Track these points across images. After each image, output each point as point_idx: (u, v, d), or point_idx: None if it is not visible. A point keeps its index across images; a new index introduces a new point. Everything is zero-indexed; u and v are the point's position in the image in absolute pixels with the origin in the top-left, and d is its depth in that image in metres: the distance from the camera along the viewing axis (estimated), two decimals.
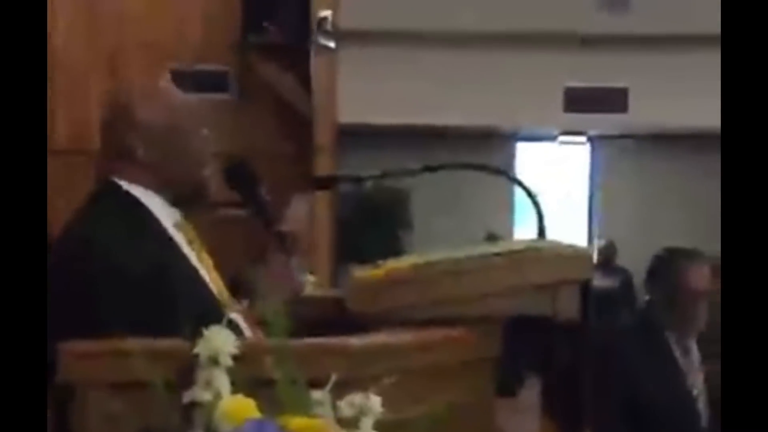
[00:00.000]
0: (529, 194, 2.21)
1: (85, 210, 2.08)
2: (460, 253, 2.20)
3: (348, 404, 1.42)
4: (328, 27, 7.67)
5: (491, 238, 11.01)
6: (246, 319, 2.08)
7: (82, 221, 2.04)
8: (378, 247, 9.95)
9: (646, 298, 3.48)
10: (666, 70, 10.62)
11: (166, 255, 2.04)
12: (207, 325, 1.65)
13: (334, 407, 1.44)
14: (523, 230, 12.38)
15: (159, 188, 2.13)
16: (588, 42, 10.59)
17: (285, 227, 2.21)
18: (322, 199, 7.28)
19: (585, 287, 2.03)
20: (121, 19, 7.97)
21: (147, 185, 2.12)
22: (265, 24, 7.75)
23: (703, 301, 3.28)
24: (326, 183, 2.38)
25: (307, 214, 2.31)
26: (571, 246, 2.16)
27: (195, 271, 2.10)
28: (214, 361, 1.39)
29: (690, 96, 10.55)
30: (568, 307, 2.02)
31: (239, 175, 2.22)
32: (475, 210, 11.91)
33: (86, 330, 1.73)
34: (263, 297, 2.04)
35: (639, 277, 10.50)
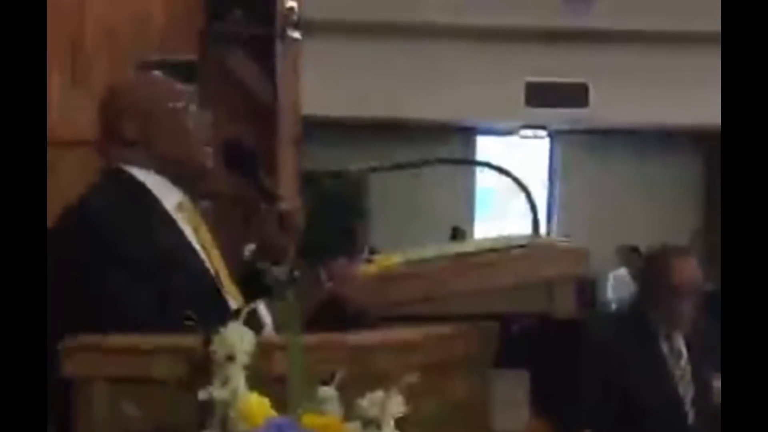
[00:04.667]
0: (524, 189, 2.19)
1: (88, 195, 2.08)
2: (452, 249, 2.18)
3: (371, 403, 1.40)
4: (295, 17, 7.60)
5: (457, 232, 11.04)
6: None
7: (84, 207, 2.03)
8: (336, 240, 9.91)
9: (635, 293, 3.51)
10: (626, 66, 10.70)
11: (167, 238, 2.03)
12: (205, 309, 1.65)
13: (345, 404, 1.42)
14: (483, 224, 12.42)
15: (159, 168, 2.13)
16: (550, 37, 10.63)
17: (283, 206, 2.20)
18: (287, 193, 7.22)
19: (582, 283, 2.02)
20: (81, 6, 7.82)
21: (147, 166, 2.13)
22: (230, 13, 7.65)
23: (691, 297, 3.30)
24: (312, 177, 2.35)
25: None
26: (567, 242, 2.15)
27: (195, 254, 2.09)
28: (231, 358, 1.36)
29: (650, 91, 10.64)
30: (565, 303, 2.01)
31: (236, 154, 2.20)
32: (435, 204, 11.92)
33: (89, 318, 1.75)
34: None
35: (600, 272, 10.64)
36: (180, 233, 2.10)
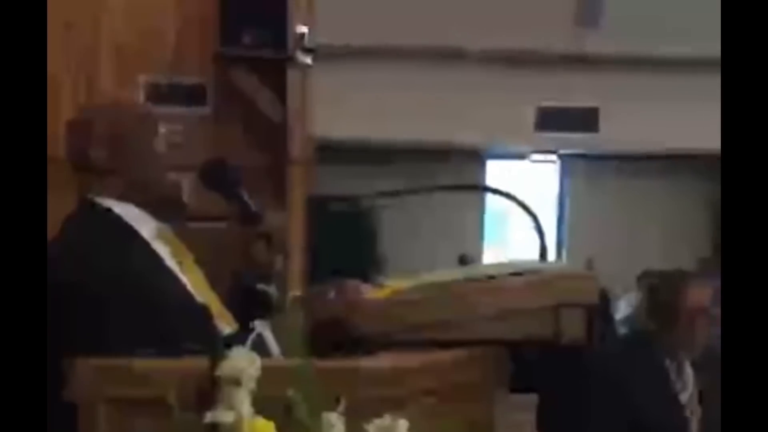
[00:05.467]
0: (531, 214, 2.19)
1: (65, 230, 2.06)
2: (460, 274, 2.18)
3: (377, 428, 1.40)
4: (306, 42, 7.64)
5: (464, 259, 10.99)
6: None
7: (63, 242, 2.01)
8: (346, 264, 9.88)
9: (642, 317, 3.50)
10: (637, 91, 10.70)
11: (148, 268, 2.02)
12: (193, 336, 1.65)
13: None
14: (492, 251, 12.38)
15: (132, 198, 2.12)
16: (561, 62, 10.65)
17: (270, 227, 2.19)
18: (296, 216, 7.22)
19: (589, 309, 2.02)
20: (94, 27, 7.85)
21: (120, 197, 2.11)
22: (242, 37, 7.67)
23: (702, 322, 3.30)
24: (322, 201, 2.36)
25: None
26: (574, 268, 2.15)
27: (178, 282, 2.08)
28: (237, 383, 1.36)
29: (661, 116, 10.63)
30: (572, 328, 2.01)
31: (217, 175, 2.19)
32: (445, 228, 11.90)
33: (75, 348, 1.73)
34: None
35: (612, 295, 10.58)
36: (159, 260, 2.08)
